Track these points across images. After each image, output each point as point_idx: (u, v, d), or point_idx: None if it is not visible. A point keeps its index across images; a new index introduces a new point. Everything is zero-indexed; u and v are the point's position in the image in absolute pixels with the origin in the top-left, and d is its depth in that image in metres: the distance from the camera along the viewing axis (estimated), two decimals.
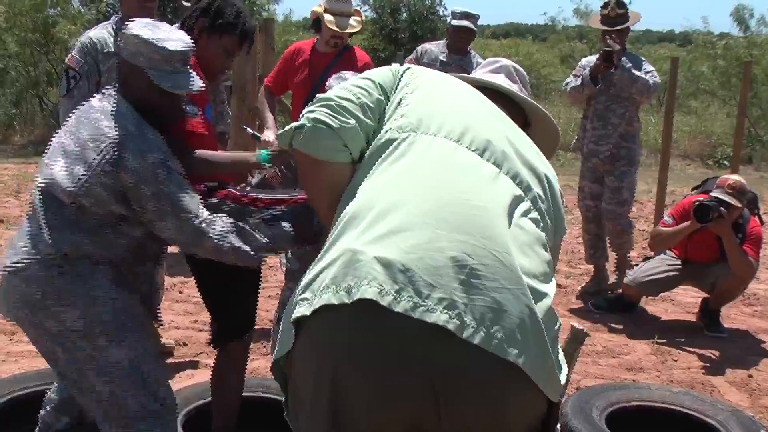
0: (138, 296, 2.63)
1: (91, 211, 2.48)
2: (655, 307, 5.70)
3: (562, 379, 1.78)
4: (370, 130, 1.95)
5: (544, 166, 2.01)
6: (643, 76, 5.59)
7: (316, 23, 4.86)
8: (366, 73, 2.06)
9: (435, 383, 1.63)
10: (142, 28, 2.56)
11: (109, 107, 2.55)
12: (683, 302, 5.87)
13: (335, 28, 4.67)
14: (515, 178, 1.89)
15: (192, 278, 3.09)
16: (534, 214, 1.88)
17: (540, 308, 1.73)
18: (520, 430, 1.73)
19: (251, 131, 4.26)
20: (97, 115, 2.53)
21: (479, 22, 6.37)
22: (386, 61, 20.15)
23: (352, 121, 1.91)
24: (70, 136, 2.54)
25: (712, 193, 4.96)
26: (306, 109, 1.96)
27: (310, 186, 2.05)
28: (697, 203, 4.92)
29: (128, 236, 2.55)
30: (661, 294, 5.62)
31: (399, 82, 2.03)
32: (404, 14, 21.93)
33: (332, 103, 1.92)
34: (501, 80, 2.31)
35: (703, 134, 16.45)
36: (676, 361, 4.71)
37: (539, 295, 1.75)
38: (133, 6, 4.16)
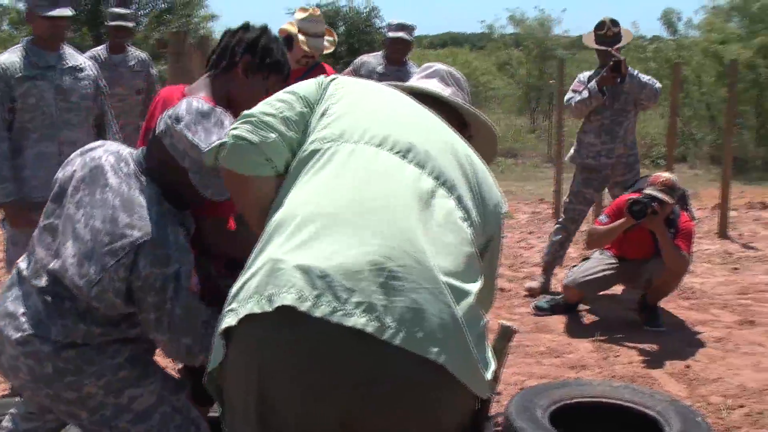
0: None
1: (101, 312, 2.38)
2: (596, 305, 5.81)
3: (489, 375, 1.82)
4: (294, 143, 1.98)
5: (472, 165, 2.04)
6: (649, 81, 5.96)
7: (287, 41, 4.92)
8: (291, 87, 2.09)
9: (360, 385, 1.67)
10: (193, 125, 2.37)
11: (128, 192, 2.38)
12: (623, 299, 5.99)
13: (308, 49, 4.72)
14: (438, 177, 1.92)
15: None
16: (459, 212, 1.91)
17: (461, 307, 1.76)
18: (450, 428, 1.77)
19: None
20: (116, 203, 2.35)
21: (416, 33, 6.46)
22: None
23: (273, 135, 1.95)
24: (83, 216, 2.37)
25: (644, 191, 5.09)
26: (230, 127, 2.00)
27: (239, 200, 2.09)
28: (630, 200, 5.05)
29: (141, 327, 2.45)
30: (601, 292, 5.73)
31: (324, 93, 2.06)
32: (341, 27, 22.02)
33: (254, 119, 1.97)
34: (434, 85, 2.34)
35: (638, 135, 16.75)
36: (617, 356, 4.81)
37: (460, 294, 1.78)
38: (43, 28, 4.16)
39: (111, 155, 2.50)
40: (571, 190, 6.29)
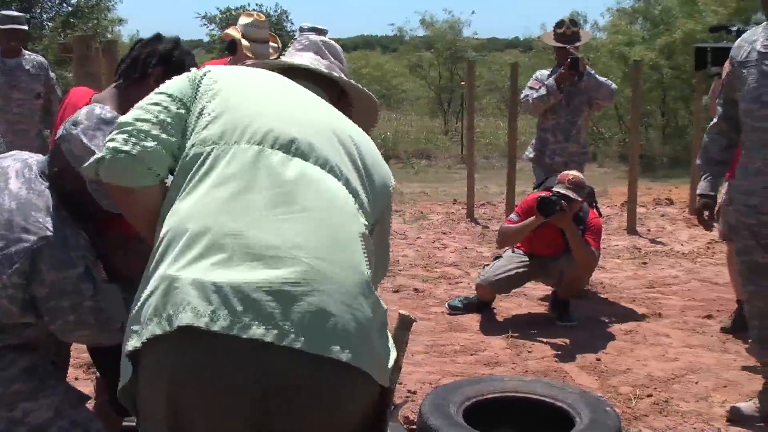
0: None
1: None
2: (509, 303, 5.90)
3: (391, 363, 1.85)
4: (174, 147, 1.93)
5: (357, 145, 2.03)
6: (606, 81, 6.12)
7: (231, 46, 4.89)
8: (164, 87, 2.02)
9: (266, 393, 1.67)
10: (91, 131, 2.31)
11: (26, 196, 2.30)
12: (535, 296, 6.09)
13: (252, 55, 4.70)
14: (324, 165, 1.91)
15: None
16: (350, 200, 1.91)
17: (361, 299, 1.78)
18: (356, 420, 1.79)
19: None
20: (12, 206, 2.28)
21: (329, 36, 6.45)
22: None
23: (152, 143, 1.89)
24: None
25: (553, 189, 5.19)
26: (107, 139, 1.93)
27: (126, 212, 2.02)
28: (539, 198, 5.14)
29: (44, 330, 2.37)
30: (513, 290, 5.81)
31: (198, 90, 2.00)
32: None
33: (131, 128, 1.90)
34: (309, 58, 2.30)
35: None
36: (530, 352, 4.88)
37: (359, 285, 1.79)
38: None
39: (18, 162, 2.43)
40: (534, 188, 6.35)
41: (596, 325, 5.44)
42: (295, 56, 2.32)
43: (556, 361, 4.71)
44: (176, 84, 2.02)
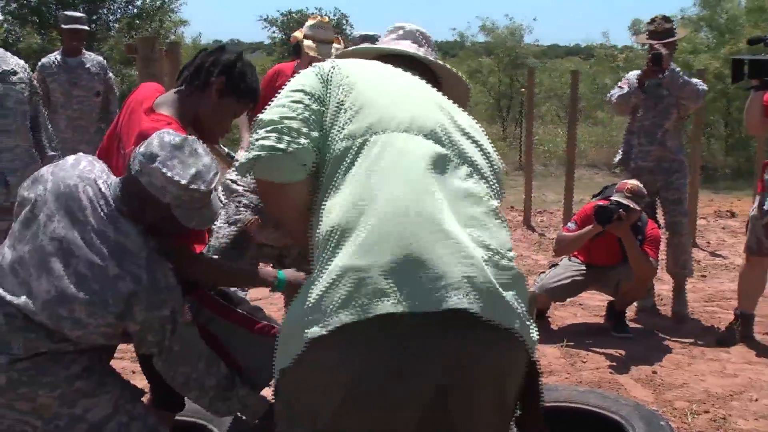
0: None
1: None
2: (564, 312, 5.84)
3: (534, 335, 1.96)
4: (318, 142, 2.00)
5: (478, 133, 2.15)
6: (692, 80, 5.65)
7: (296, 48, 5.02)
8: (296, 85, 2.08)
9: (452, 372, 1.79)
10: (169, 161, 2.37)
11: (114, 237, 2.35)
12: (591, 306, 6.03)
13: (315, 55, 4.77)
14: (463, 156, 2.02)
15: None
16: (484, 186, 2.02)
17: (516, 277, 1.92)
18: (513, 391, 1.93)
19: (226, 150, 4.23)
20: (103, 249, 2.33)
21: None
22: None
23: (303, 140, 1.96)
24: (59, 251, 2.33)
25: (612, 198, 5.13)
26: (255, 136, 1.99)
27: (275, 208, 2.12)
28: (597, 207, 5.08)
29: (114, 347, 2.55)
30: (569, 299, 5.75)
31: (329, 86, 2.07)
32: None
33: (280, 126, 1.96)
34: (408, 46, 2.39)
35: (609, 144, 16.92)
36: (584, 362, 4.83)
37: (510, 266, 1.92)
38: None
39: (87, 186, 2.44)
40: None
41: (652, 337, 5.36)
42: (394, 44, 2.40)
43: (610, 373, 4.65)
44: (308, 81, 2.09)
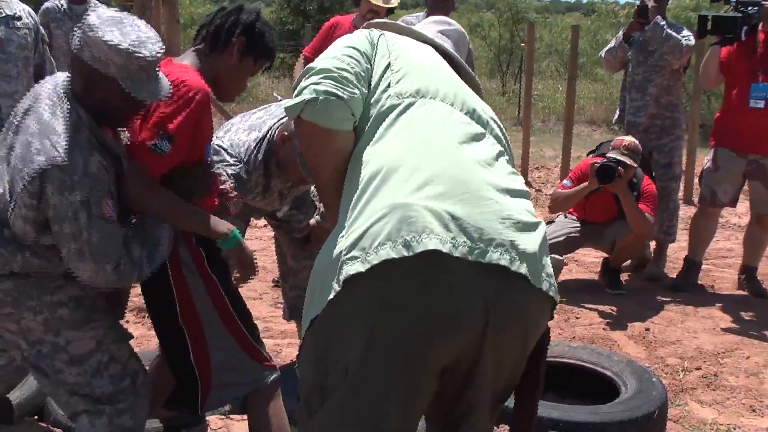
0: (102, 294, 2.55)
1: (27, 242, 2.38)
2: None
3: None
4: (365, 98, 2.05)
5: (498, 122, 2.23)
6: (676, 35, 5.46)
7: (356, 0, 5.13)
8: (349, 41, 2.14)
9: (488, 312, 1.83)
10: (110, 30, 2.29)
11: (48, 119, 2.33)
12: (586, 262, 6.04)
13: (376, 2, 4.98)
14: (496, 137, 2.12)
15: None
16: (511, 167, 2.10)
17: (545, 242, 1.99)
18: (531, 346, 2.01)
19: (279, 98, 4.20)
20: (34, 129, 2.33)
21: None
22: (295, 33, 20.03)
23: (357, 91, 2.01)
24: (17, 143, 2.35)
25: (608, 155, 5.11)
26: (307, 81, 2.00)
27: (317, 154, 2.09)
28: (597, 164, 5.06)
29: None
30: (565, 255, 5.75)
31: (377, 49, 2.14)
32: None
33: (335, 75, 1.99)
34: (450, 45, 2.43)
35: (608, 100, 16.83)
36: (578, 318, 4.85)
37: (541, 227, 2.00)
38: None
39: (49, 83, 2.46)
40: None
41: (646, 295, 5.38)
42: (438, 36, 2.43)
43: (603, 329, 4.68)
44: (359, 41, 2.15)
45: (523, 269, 1.85)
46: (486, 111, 2.17)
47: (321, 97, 1.96)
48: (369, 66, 2.10)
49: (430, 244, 1.78)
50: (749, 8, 4.93)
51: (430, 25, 2.51)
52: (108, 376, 2.50)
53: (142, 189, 2.50)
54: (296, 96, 2.00)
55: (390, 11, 5.24)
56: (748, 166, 5.22)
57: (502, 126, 2.22)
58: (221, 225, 2.66)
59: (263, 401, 2.76)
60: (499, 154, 2.06)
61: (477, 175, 1.93)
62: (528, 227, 1.92)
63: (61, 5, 6.94)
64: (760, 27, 4.98)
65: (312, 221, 3.77)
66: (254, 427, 2.81)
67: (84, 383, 2.48)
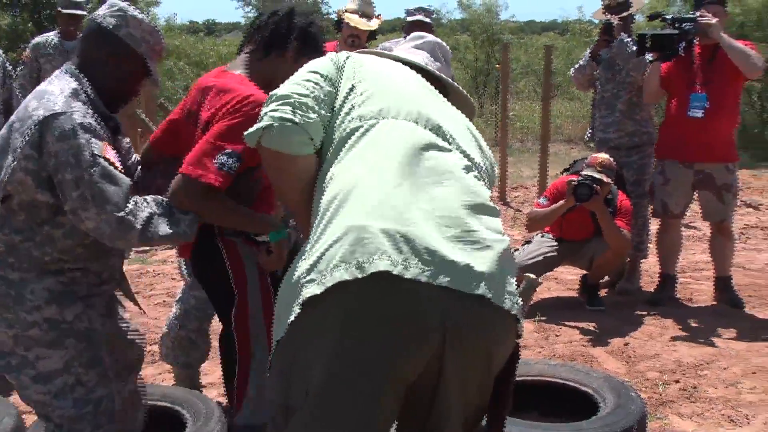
0: (86, 301, 2.55)
1: (21, 205, 2.41)
2: (538, 287, 5.86)
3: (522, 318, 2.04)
4: (326, 121, 2.09)
5: (477, 136, 2.27)
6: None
7: (338, 24, 5.19)
8: (313, 66, 2.20)
9: (445, 331, 1.84)
10: (140, 14, 2.56)
11: (46, 87, 2.47)
12: (564, 280, 6.07)
13: (356, 26, 4.99)
14: (463, 152, 2.12)
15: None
16: (480, 182, 2.11)
17: (510, 260, 2.00)
18: (498, 365, 2.02)
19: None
20: (31, 96, 2.47)
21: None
22: None
23: (314, 116, 2.05)
24: (6, 125, 2.47)
25: (583, 172, 5.16)
26: (266, 108, 2.05)
27: (280, 180, 2.15)
28: (574, 183, 5.10)
29: (69, 227, 2.44)
30: (544, 275, 5.78)
31: (342, 72, 2.18)
32: None
33: (292, 100, 2.04)
34: (424, 57, 2.46)
35: (585, 119, 16.94)
36: (558, 336, 4.88)
37: (508, 249, 2.00)
38: None
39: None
40: None
41: (625, 310, 5.41)
42: (411, 52, 2.48)
43: (583, 346, 4.71)
44: (324, 65, 2.20)
45: (480, 289, 1.86)
46: (456, 126, 2.18)
47: (276, 124, 2.00)
48: (332, 89, 2.13)
49: (381, 265, 1.80)
50: (685, 24, 5.10)
51: (405, 44, 2.56)
52: (72, 398, 2.50)
53: (196, 200, 2.54)
54: (258, 122, 2.04)
55: (372, 35, 5.27)
56: (695, 177, 5.34)
57: (480, 141, 2.25)
58: (272, 218, 2.79)
59: None
60: (467, 169, 2.08)
61: (433, 195, 1.94)
62: (486, 245, 1.92)
63: (52, 40, 6.98)
64: (696, 41, 5.14)
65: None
66: None
67: (46, 403, 2.50)
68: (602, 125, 5.77)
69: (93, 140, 2.36)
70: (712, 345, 4.71)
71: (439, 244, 1.86)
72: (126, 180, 2.42)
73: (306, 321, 1.87)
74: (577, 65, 5.93)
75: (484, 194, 2.07)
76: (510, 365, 2.09)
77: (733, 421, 3.73)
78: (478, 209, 2.00)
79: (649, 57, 5.32)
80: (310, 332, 1.88)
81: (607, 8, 5.72)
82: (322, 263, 1.86)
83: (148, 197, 2.50)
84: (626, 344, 4.71)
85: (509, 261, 1.99)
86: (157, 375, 4.28)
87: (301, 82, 2.11)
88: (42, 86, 2.49)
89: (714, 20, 5.06)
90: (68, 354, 2.50)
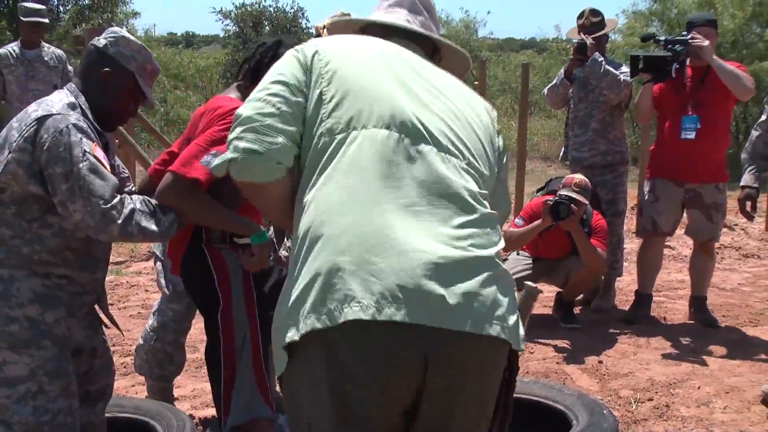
0: (68, 309, 2.59)
1: (12, 199, 2.48)
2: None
3: (521, 331, 1.97)
4: (297, 136, 1.97)
5: (478, 115, 2.11)
6: (614, 71, 5.52)
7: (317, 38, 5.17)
8: (277, 73, 2.04)
9: (426, 359, 1.81)
10: (129, 36, 2.72)
11: (46, 97, 2.61)
12: (540, 297, 6.06)
13: (326, 34, 4.90)
14: (443, 148, 1.97)
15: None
16: (469, 178, 1.98)
17: (500, 274, 1.92)
18: (494, 380, 1.97)
19: None
20: (33, 103, 2.59)
21: None
22: None
23: (280, 138, 1.93)
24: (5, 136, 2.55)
25: (560, 192, 5.18)
26: (231, 135, 1.96)
27: (257, 202, 2.15)
28: (550, 203, 5.13)
29: (57, 227, 2.52)
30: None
31: (311, 75, 2.02)
32: (267, 27, 21.88)
33: (256, 125, 1.93)
34: (404, 15, 2.26)
35: (561, 136, 17.02)
36: (532, 353, 4.89)
37: (493, 263, 1.92)
38: None
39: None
40: None
41: (600, 328, 5.44)
42: (389, 13, 2.28)
43: (557, 363, 4.72)
44: (289, 69, 2.04)
45: (456, 323, 1.80)
46: (440, 113, 2.01)
47: (240, 156, 1.92)
48: (301, 99, 1.99)
49: (351, 314, 1.77)
50: (677, 46, 5.15)
51: (382, 4, 2.32)
52: (32, 405, 2.52)
53: (181, 195, 2.66)
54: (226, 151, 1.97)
55: None
56: (685, 195, 5.39)
57: (474, 117, 2.08)
58: (254, 222, 2.83)
59: None
60: (447, 166, 1.94)
61: (402, 225, 1.84)
62: (469, 267, 1.85)
63: (14, 51, 6.94)
64: (687, 63, 5.20)
65: (282, 253, 3.80)
66: None
67: (5, 407, 2.51)
68: (576, 144, 5.82)
69: (85, 139, 2.48)
70: (686, 364, 4.74)
71: (413, 278, 1.79)
72: (113, 178, 2.51)
73: (294, 365, 1.88)
74: (551, 84, 5.97)
75: (466, 196, 1.93)
76: (509, 376, 2.04)
77: None
78: (459, 223, 1.89)
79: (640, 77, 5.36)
80: (300, 378, 1.89)
81: (581, 28, 5.78)
82: (297, 307, 1.85)
83: (135, 196, 2.59)
84: (600, 362, 4.73)
85: (500, 278, 1.91)
86: (129, 387, 4.25)
87: (266, 97, 1.97)
88: (43, 98, 2.61)
89: (706, 42, 5.13)
90: (34, 361, 2.51)
